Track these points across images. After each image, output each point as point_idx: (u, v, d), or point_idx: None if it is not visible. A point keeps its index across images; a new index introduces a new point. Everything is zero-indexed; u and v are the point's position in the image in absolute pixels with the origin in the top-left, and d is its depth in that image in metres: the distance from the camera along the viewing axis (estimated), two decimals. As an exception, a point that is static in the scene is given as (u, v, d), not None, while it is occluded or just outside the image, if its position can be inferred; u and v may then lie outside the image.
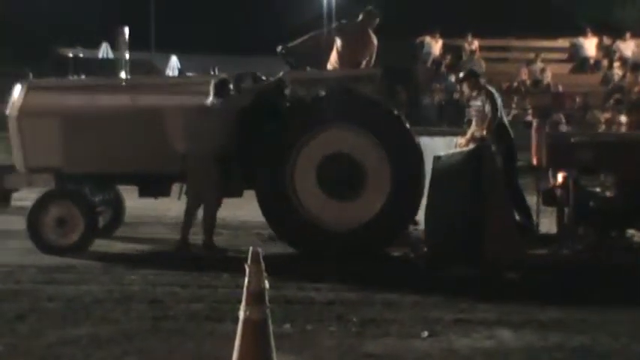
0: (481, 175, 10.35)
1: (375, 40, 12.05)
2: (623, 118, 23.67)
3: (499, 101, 12.12)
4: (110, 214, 12.80)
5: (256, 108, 11.43)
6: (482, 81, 12.78)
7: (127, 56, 12.58)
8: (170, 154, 11.42)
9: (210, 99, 11.40)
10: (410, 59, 28.66)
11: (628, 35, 28.49)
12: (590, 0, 35.01)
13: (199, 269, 10.35)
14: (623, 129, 22.80)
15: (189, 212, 11.48)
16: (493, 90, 12.44)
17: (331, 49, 12.10)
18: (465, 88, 12.68)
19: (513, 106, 26.70)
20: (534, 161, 11.68)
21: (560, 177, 11.19)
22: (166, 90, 12.20)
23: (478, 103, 12.17)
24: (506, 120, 12.38)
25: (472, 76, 12.57)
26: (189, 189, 11.50)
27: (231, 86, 11.60)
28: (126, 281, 9.82)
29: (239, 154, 11.35)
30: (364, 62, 12.01)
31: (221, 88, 11.43)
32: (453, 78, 26.96)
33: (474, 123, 12.39)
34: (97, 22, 36.22)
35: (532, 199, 11.79)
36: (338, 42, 11.98)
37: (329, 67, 12.11)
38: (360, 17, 12.15)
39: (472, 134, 12.11)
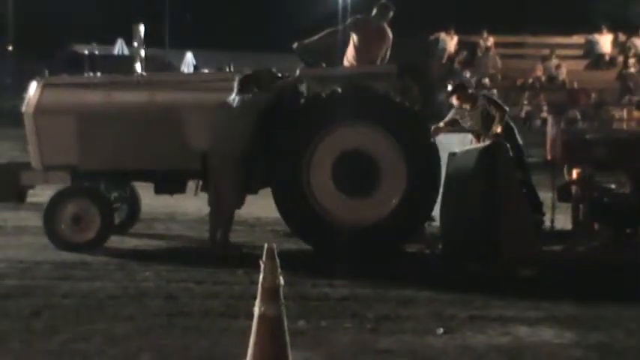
0: (496, 172, 10.32)
1: (390, 34, 11.99)
2: (626, 114, 23.54)
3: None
4: (126, 211, 12.81)
5: (276, 105, 11.42)
6: (471, 91, 12.67)
7: (143, 53, 12.56)
8: (187, 151, 11.40)
9: (234, 96, 11.35)
10: (424, 56, 28.58)
11: (643, 32, 28.45)
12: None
13: (214, 266, 10.35)
14: (625, 125, 22.68)
15: (221, 212, 11.30)
16: (488, 93, 12.41)
17: (346, 45, 12.06)
18: (454, 100, 12.42)
19: (525, 102, 26.66)
20: (549, 157, 11.64)
21: (575, 173, 11.14)
22: (184, 87, 12.16)
23: (479, 110, 12.05)
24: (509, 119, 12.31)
25: (461, 89, 12.43)
26: (212, 188, 11.36)
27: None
28: (140, 278, 9.84)
29: (260, 151, 11.34)
30: (380, 57, 11.97)
31: (246, 85, 11.40)
32: (467, 74, 26.91)
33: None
34: (111, 20, 36.34)
35: (547, 196, 11.76)
36: (354, 37, 11.92)
37: (346, 63, 12.06)
38: (375, 11, 12.10)
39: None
